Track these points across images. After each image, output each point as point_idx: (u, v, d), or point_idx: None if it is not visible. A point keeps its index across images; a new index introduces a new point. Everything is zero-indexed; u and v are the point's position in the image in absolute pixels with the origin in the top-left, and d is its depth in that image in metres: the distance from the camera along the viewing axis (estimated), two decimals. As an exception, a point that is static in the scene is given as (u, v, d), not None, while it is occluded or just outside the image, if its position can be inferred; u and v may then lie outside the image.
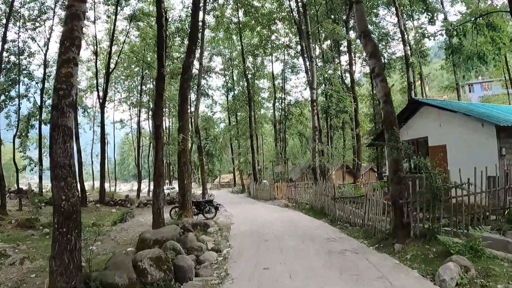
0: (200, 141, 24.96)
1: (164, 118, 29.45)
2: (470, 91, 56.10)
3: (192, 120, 27.47)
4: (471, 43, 15.83)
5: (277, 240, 10.67)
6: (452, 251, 7.28)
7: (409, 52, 27.66)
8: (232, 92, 48.00)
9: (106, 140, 49.25)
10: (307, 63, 27.71)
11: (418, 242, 8.71)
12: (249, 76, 40.29)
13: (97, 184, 50.14)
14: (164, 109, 28.75)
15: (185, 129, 15.76)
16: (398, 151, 9.81)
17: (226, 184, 69.84)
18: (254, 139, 41.29)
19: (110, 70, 32.56)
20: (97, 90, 34.24)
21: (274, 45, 38.24)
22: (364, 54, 38.35)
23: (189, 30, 19.52)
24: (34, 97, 31.79)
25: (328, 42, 38.55)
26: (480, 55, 15.31)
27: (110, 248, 11.05)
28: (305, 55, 28.69)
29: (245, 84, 39.93)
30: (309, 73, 24.47)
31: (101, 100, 32.47)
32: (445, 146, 15.22)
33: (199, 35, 27.38)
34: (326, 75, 28.73)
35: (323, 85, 27.81)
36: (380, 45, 39.23)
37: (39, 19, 29.77)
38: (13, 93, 30.09)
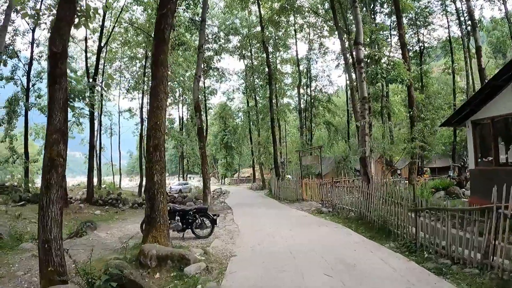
0: (201, 122, 18.78)
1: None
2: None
3: (192, 93, 21.34)
4: None
5: None
6: None
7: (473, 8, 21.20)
8: (248, 61, 42.85)
9: (111, 130, 45.23)
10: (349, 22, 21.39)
11: None
12: (270, 49, 34.41)
13: (108, 179, 45.59)
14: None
15: (160, 91, 9.47)
16: None
17: (246, 179, 64.77)
18: (276, 126, 35.61)
19: (103, 44, 27.32)
20: (87, 72, 28.28)
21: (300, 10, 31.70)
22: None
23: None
24: (21, 80, 26.81)
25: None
26: None
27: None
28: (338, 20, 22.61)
29: (265, 61, 34.19)
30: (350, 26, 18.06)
31: (91, 80, 26.70)
32: None
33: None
34: (372, 36, 22.40)
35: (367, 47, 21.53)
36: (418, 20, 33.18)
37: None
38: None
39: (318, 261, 7.50)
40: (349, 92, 37.60)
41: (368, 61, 20.20)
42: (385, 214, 10.29)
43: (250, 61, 42.51)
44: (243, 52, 40.93)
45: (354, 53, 17.42)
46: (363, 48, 16.28)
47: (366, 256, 7.76)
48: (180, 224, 10.71)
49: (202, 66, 26.35)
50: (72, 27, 6.17)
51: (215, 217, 11.04)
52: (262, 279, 6.50)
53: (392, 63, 19.99)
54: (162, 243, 8.36)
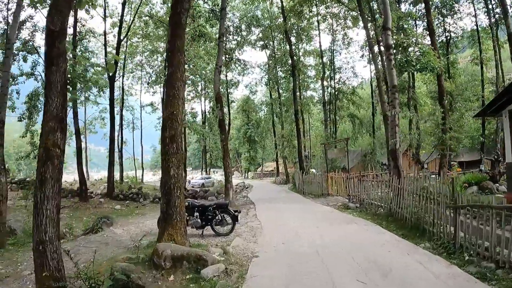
0: (223, 113, 18.21)
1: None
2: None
3: (213, 85, 20.81)
4: None
5: None
6: None
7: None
8: (271, 50, 41.90)
9: (133, 124, 45.22)
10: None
11: None
12: (293, 40, 33.64)
13: (131, 174, 45.62)
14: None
15: (176, 79, 8.87)
16: None
17: (269, 173, 63.72)
18: (300, 119, 34.78)
19: (122, 37, 27.23)
20: (106, 62, 28.22)
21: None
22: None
23: None
24: (41, 75, 26.73)
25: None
26: None
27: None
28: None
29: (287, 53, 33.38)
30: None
31: (110, 74, 26.51)
32: None
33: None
34: (400, 23, 21.35)
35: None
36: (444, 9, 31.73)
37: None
38: (16, 71, 24.90)
39: (349, 263, 6.78)
40: (373, 83, 36.51)
41: (395, 51, 19.17)
42: (419, 211, 9.47)
43: (273, 52, 41.58)
44: (266, 41, 40.24)
45: (382, 39, 16.45)
46: (391, 34, 15.25)
47: (402, 258, 6.97)
48: (199, 220, 10.11)
49: (224, 58, 25.78)
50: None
51: (236, 213, 10.38)
52: (286, 285, 5.84)
53: (421, 50, 18.87)
54: (179, 242, 7.79)
